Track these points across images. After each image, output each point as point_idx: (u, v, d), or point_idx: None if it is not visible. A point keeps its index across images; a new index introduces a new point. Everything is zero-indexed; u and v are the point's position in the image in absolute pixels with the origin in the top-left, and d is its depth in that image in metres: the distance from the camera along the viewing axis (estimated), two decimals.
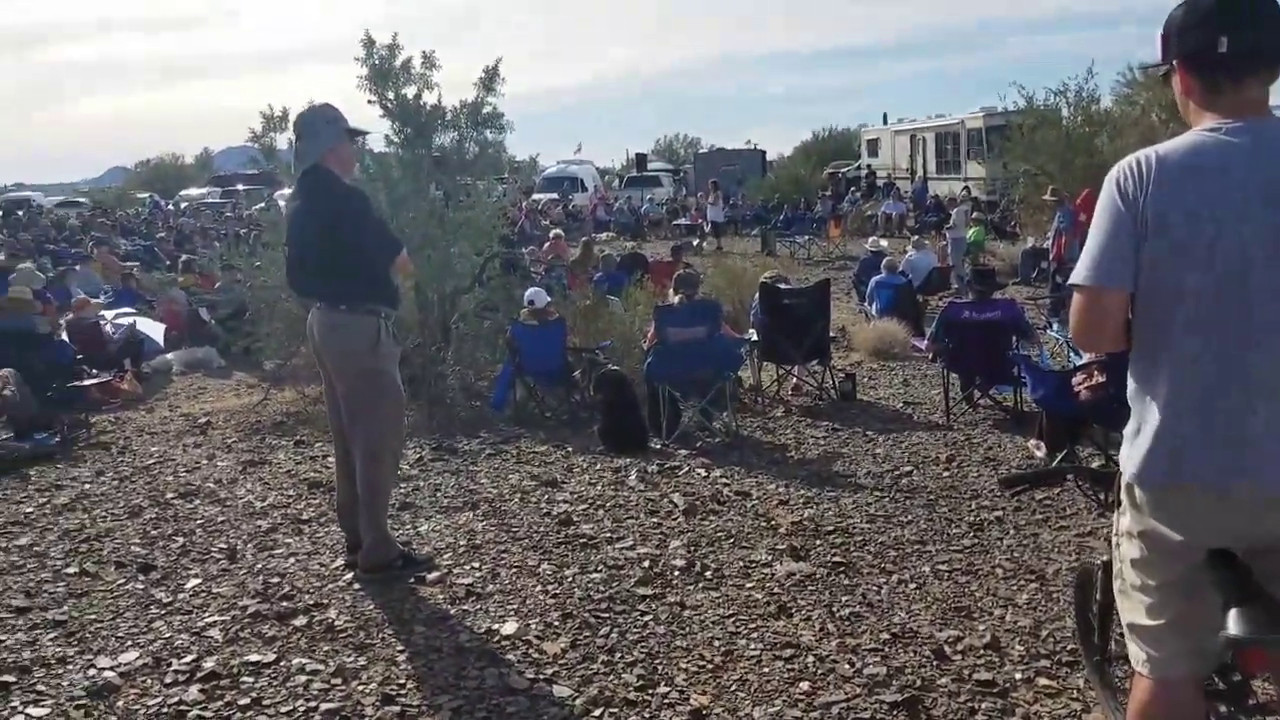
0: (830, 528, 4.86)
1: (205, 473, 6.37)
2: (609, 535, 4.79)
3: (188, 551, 4.71)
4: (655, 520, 5.01)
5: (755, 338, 7.46)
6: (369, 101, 9.07)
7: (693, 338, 6.71)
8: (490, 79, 9.23)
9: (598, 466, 6.18)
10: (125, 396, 9.50)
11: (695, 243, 19.67)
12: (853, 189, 31.78)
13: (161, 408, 9.23)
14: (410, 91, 9.23)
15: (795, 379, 8.49)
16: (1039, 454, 6.02)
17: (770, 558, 4.48)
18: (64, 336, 10.10)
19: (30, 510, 5.54)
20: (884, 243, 15.44)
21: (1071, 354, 7.53)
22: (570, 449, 6.70)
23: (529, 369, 7.70)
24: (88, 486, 6.04)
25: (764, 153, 39.92)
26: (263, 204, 28.69)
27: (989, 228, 19.93)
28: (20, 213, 30.97)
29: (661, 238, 24.98)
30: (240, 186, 36.26)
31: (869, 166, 34.26)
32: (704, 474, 5.90)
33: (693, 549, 4.59)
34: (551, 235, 16.32)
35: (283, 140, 8.92)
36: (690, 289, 7.01)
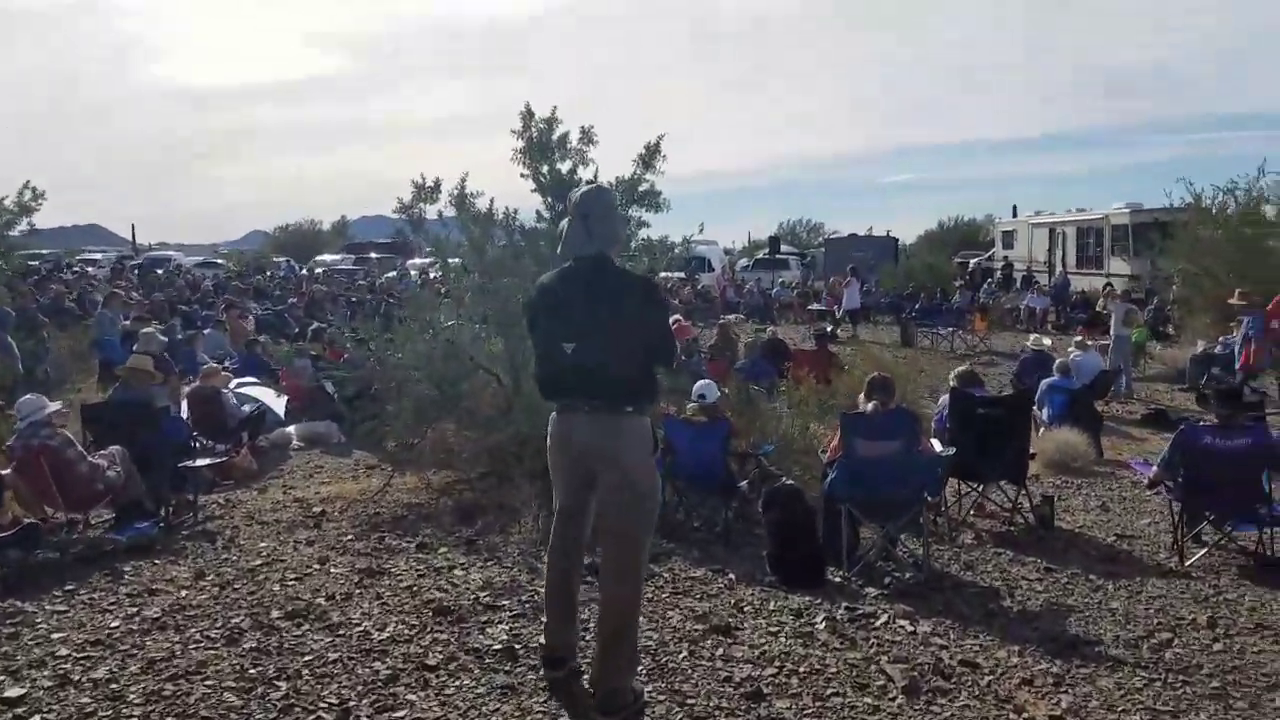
0: None
1: (316, 582, 5.58)
2: None
3: (290, 708, 3.84)
4: (869, 701, 3.93)
5: (951, 452, 6.34)
6: (522, 175, 8.59)
7: (886, 453, 5.66)
8: (650, 156, 8.61)
9: (772, 606, 5.13)
10: (239, 473, 8.98)
11: (829, 328, 18.58)
12: (988, 280, 30.34)
13: (275, 488, 8.64)
14: (565, 166, 8.70)
15: (980, 498, 7.34)
16: None
17: None
18: (183, 405, 9.71)
19: (116, 624, 4.80)
20: (1047, 341, 14.14)
21: None
22: (733, 576, 5.68)
23: (683, 472, 6.75)
24: (184, 594, 5.31)
25: (896, 240, 38.80)
26: (394, 272, 29.26)
27: None
28: (160, 271, 32.11)
29: (791, 321, 24.02)
30: (373, 255, 37.09)
31: (1005, 258, 32.79)
32: (909, 628, 4.79)
33: None
34: (672, 320, 15.44)
35: (431, 212, 8.45)
36: (886, 395, 5.98)
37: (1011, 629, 4.85)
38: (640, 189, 8.73)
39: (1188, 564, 5.93)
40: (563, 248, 3.89)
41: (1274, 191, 18.60)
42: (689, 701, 3.91)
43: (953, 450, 6.33)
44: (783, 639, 4.61)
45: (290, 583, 5.55)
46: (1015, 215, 36.18)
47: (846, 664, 4.31)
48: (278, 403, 11.25)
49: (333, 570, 5.85)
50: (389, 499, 7.87)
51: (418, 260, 27.27)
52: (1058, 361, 11.33)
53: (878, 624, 4.85)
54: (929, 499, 5.91)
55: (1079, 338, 13.88)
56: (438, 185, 8.15)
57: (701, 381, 7.31)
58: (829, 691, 4.01)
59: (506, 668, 4.26)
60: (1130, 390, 14.48)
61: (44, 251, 40.36)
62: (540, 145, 8.55)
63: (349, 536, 6.73)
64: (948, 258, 36.37)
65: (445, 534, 6.71)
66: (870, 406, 5.82)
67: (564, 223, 3.92)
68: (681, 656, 4.37)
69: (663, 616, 4.92)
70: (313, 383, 11.62)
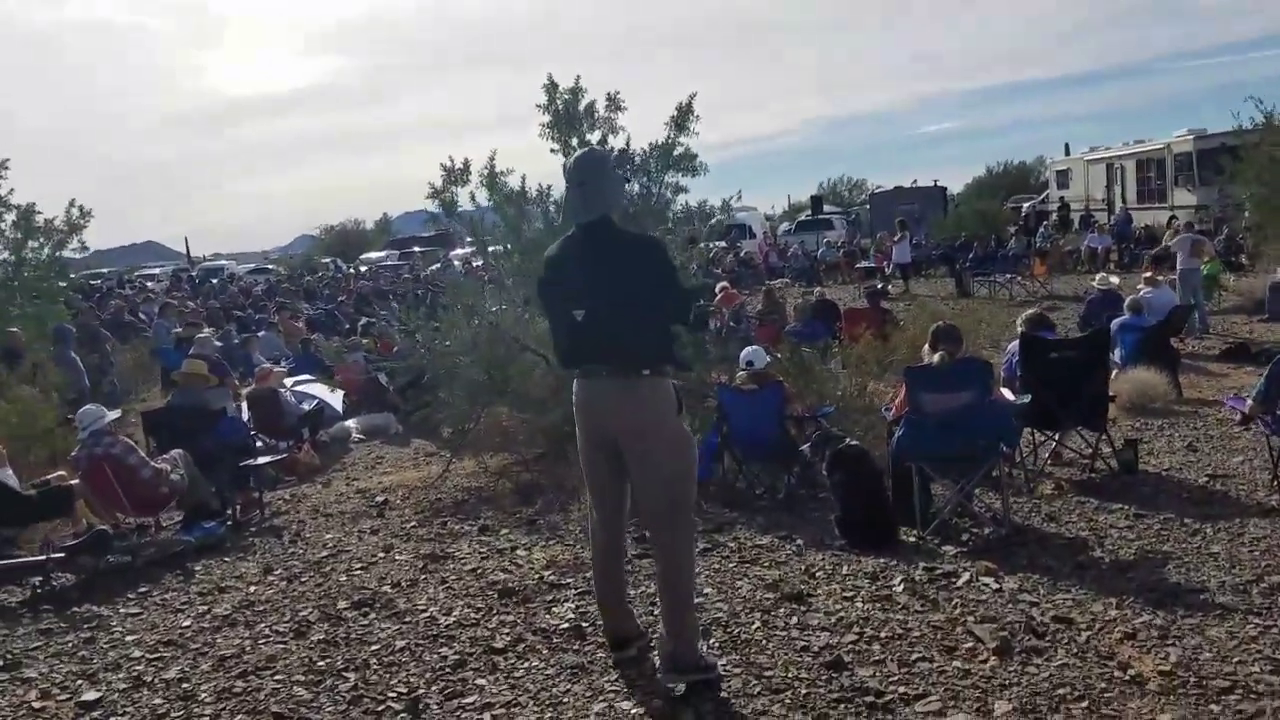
0: (1221, 681, 3.43)
1: (382, 570, 5.51)
2: (902, 690, 3.52)
3: (360, 699, 3.74)
4: (958, 665, 3.70)
5: (1026, 400, 6.03)
6: (552, 150, 8.39)
7: (957, 405, 5.37)
8: (683, 118, 8.35)
9: (845, 570, 4.92)
10: (302, 468, 9.00)
11: (880, 285, 18.11)
12: (1044, 223, 29.41)
13: (339, 481, 8.65)
14: (595, 137, 8.49)
15: (1057, 446, 7.02)
16: None
17: None
18: (244, 408, 9.76)
19: (187, 624, 4.78)
20: (1114, 279, 13.59)
21: None
22: (800, 542, 5.48)
23: (739, 440, 6.55)
24: (253, 589, 5.28)
25: (944, 189, 37.77)
26: (438, 264, 29.39)
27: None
28: (214, 280, 32.68)
29: (839, 282, 23.55)
30: (417, 248, 37.34)
31: (1061, 198, 31.76)
32: (995, 586, 4.54)
33: (1031, 717, 3.27)
34: (719, 288, 15.10)
35: (464, 196, 8.30)
36: (953, 344, 5.68)
37: (1105, 580, 4.57)
38: (675, 153, 8.50)
39: None
40: (563, 217, 3.90)
41: None
42: (766, 674, 3.73)
43: (1027, 398, 6.02)
44: (859, 604, 4.40)
45: (356, 572, 5.50)
46: (1068, 154, 35.02)
47: (930, 626, 4.08)
48: (335, 398, 11.29)
49: (398, 558, 5.79)
50: (449, 484, 7.82)
51: (460, 250, 27.37)
52: (1128, 299, 10.82)
53: (959, 583, 4.61)
54: (1005, 450, 5.61)
55: (1148, 274, 13.29)
56: (467, 167, 8.00)
57: (748, 348, 7.09)
58: (914, 656, 3.79)
59: (575, 646, 4.13)
60: (1206, 325, 13.85)
61: (105, 270, 41.38)
62: (567, 117, 8.34)
63: (412, 523, 6.68)
64: (999, 204, 35.34)
65: (506, 515, 6.62)
66: (937, 357, 5.53)
67: (565, 195, 3.82)
68: (755, 627, 4.19)
69: (731, 586, 4.75)
70: (366, 376, 11.63)
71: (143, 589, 5.46)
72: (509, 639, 4.25)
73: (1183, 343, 12.00)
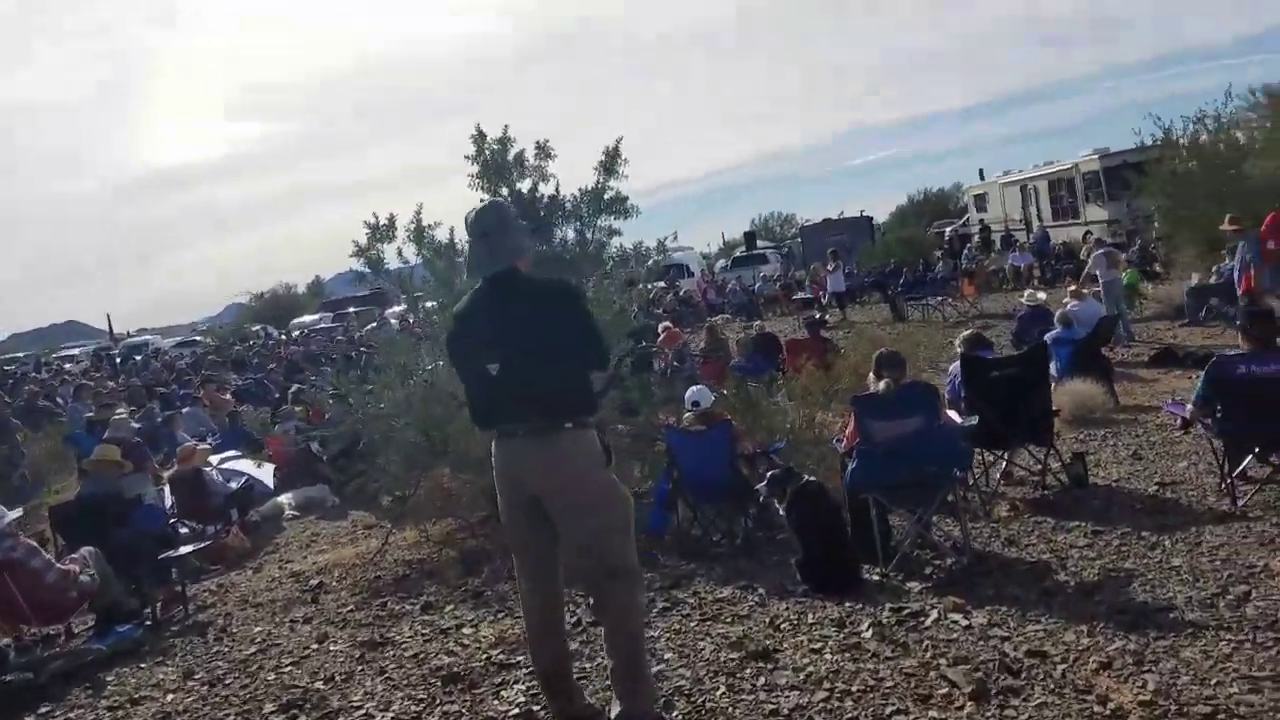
0: (1202, 706, 3.28)
1: (315, 664, 5.14)
2: None
3: None
4: (934, 715, 3.51)
5: (974, 422, 5.93)
6: (481, 201, 8.15)
7: (906, 431, 5.24)
8: (611, 161, 8.21)
9: (811, 619, 4.71)
10: (231, 554, 8.52)
11: (818, 315, 18.17)
12: (968, 246, 30.03)
13: (270, 564, 8.19)
14: (525, 185, 8.32)
15: (1008, 465, 6.95)
16: None
17: None
18: (166, 492, 9.25)
19: None
20: (1041, 295, 13.80)
21: None
22: (763, 591, 5.26)
23: (691, 484, 6.34)
24: (171, 698, 4.85)
25: (871, 219, 38.51)
26: (373, 324, 28.78)
27: None
28: (138, 357, 31.59)
29: (778, 314, 23.62)
30: (351, 309, 36.55)
31: (981, 221, 32.50)
32: (964, 622, 4.37)
33: None
34: (662, 327, 14.97)
35: (390, 252, 8.02)
36: (897, 370, 5.57)
37: (1073, 605, 4.43)
38: (606, 197, 8.36)
39: (1241, 504, 5.53)
40: (469, 273, 3.74)
41: (1239, 117, 18.36)
42: None
43: (974, 419, 5.92)
44: (828, 655, 4.19)
45: (286, 669, 5.12)
46: (983, 179, 35.93)
47: (902, 674, 3.89)
48: (265, 473, 10.79)
49: (332, 648, 5.42)
50: (390, 559, 7.45)
51: (396, 308, 26.87)
52: (1058, 313, 10.96)
53: (928, 623, 4.43)
54: (959, 475, 5.49)
55: (1072, 287, 13.53)
56: (392, 222, 7.73)
57: (693, 388, 6.91)
58: (889, 710, 3.59)
59: None
60: (1131, 333, 14.11)
61: (20, 355, 39.76)
62: (496, 166, 8.17)
63: (349, 607, 6.30)
64: (924, 230, 36.10)
65: (451, 589, 6.28)
66: (882, 385, 5.40)
67: (466, 248, 3.72)
68: (720, 693, 3.94)
69: (693, 649, 4.50)
70: (298, 447, 11.16)
71: (44, 709, 4.98)
72: None
73: (1112, 352, 12.18)
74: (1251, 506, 5.49)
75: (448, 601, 6.02)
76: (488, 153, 8.17)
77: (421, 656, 4.99)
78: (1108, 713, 3.33)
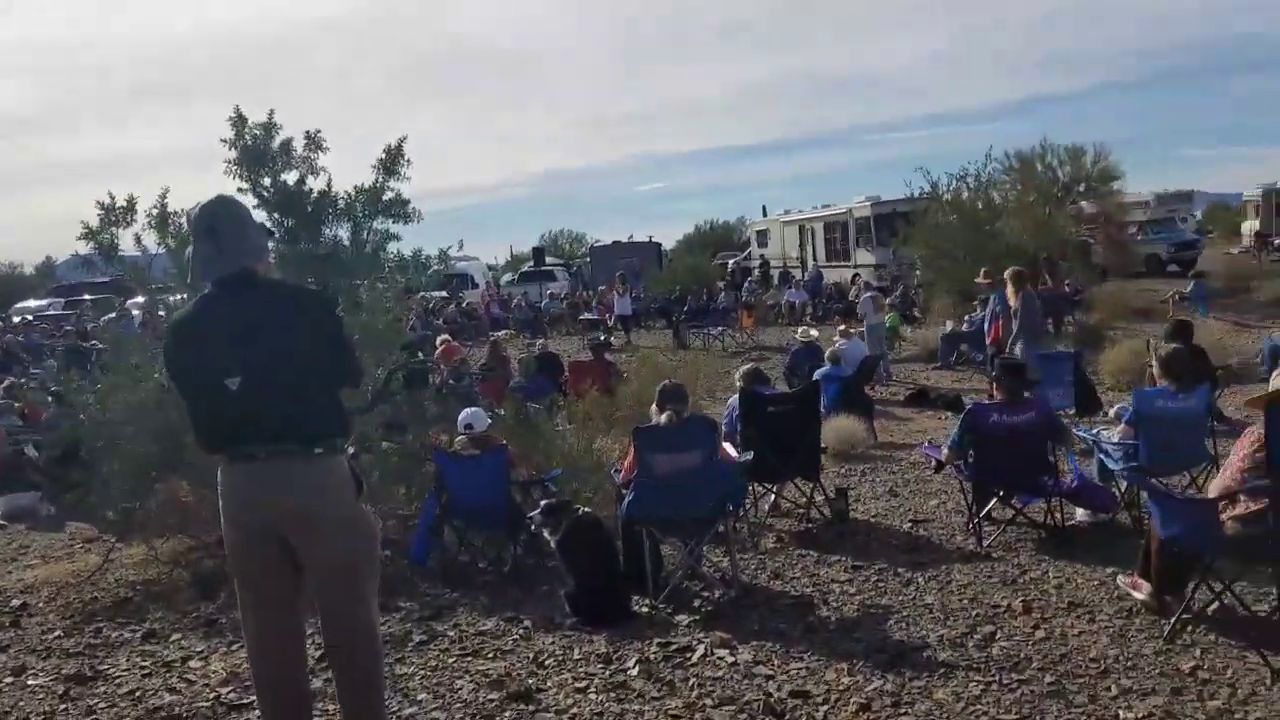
0: None
1: (7, 702, 4.40)
2: None
3: None
4: None
5: (750, 457, 5.97)
6: (239, 190, 7.46)
7: (686, 466, 5.17)
8: (393, 160, 7.75)
9: (577, 654, 4.51)
10: None
11: (603, 337, 18.22)
12: (749, 279, 31.32)
13: None
14: (291, 177, 7.69)
15: (775, 497, 7.10)
16: (1139, 595, 4.69)
17: None
18: None
19: None
20: (814, 332, 14.45)
21: (1102, 456, 6.40)
22: (528, 623, 5.01)
23: (461, 510, 6.00)
24: None
25: (660, 245, 39.39)
26: (112, 314, 25.96)
27: None
28: None
29: (563, 333, 23.55)
30: (87, 296, 32.88)
31: (762, 256, 34.00)
32: (730, 659, 4.30)
33: None
34: (439, 340, 14.39)
35: (127, 238, 7.13)
36: (680, 404, 5.50)
37: (834, 642, 4.48)
38: (385, 198, 7.89)
39: (986, 544, 5.86)
40: (192, 275, 3.22)
41: (994, 178, 20.13)
42: None
43: (750, 455, 5.97)
44: (593, 695, 4.00)
45: None
46: (765, 215, 37.67)
47: (667, 716, 3.76)
48: None
49: (31, 682, 4.69)
50: (110, 578, 6.63)
51: (140, 299, 24.53)
52: (828, 351, 11.47)
53: (695, 659, 4.34)
54: (730, 509, 5.49)
55: (841, 327, 14.25)
56: (131, 205, 6.88)
57: (467, 410, 6.59)
58: None
59: None
60: (890, 373, 15.03)
61: None
62: (256, 153, 7.50)
63: (55, 633, 5.51)
64: (708, 260, 37.32)
65: (179, 615, 5.63)
66: (664, 418, 5.32)
67: (187, 250, 3.24)
68: None
69: (450, 688, 4.18)
70: (12, 448, 9.81)
71: None
72: None
73: (873, 390, 12.92)
74: (995, 547, 5.82)
75: (174, 629, 5.38)
76: (248, 138, 7.52)
77: (138, 694, 4.38)
78: None
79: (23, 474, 9.38)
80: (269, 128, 7.56)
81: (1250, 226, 30.56)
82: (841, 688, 3.93)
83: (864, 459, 9.04)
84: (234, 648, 4.94)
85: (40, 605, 6.14)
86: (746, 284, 29.21)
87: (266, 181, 7.58)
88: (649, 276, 30.90)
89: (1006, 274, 11.52)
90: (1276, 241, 28.05)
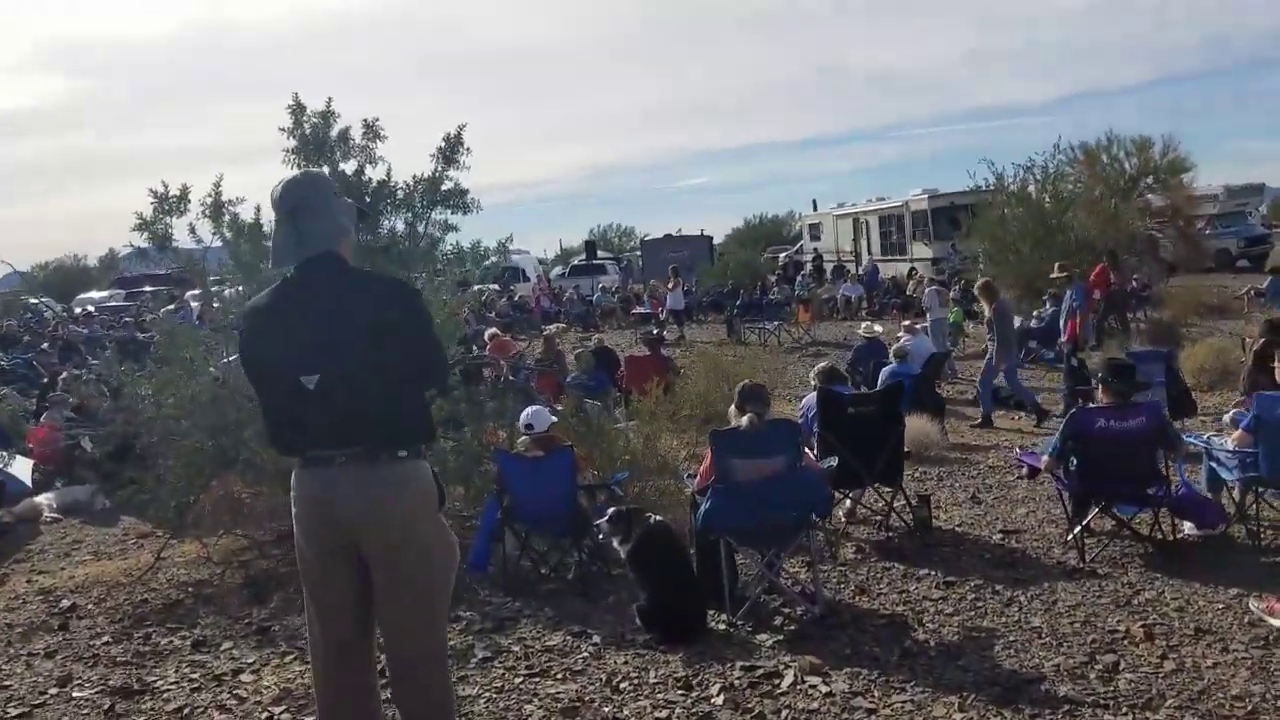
0: None
1: (50, 716, 4.16)
2: None
3: None
4: None
5: (834, 463, 5.56)
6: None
7: (769, 472, 4.78)
8: (452, 149, 7.47)
9: (653, 677, 4.15)
10: None
11: (655, 331, 17.84)
12: (801, 273, 30.74)
13: (18, 575, 6.96)
14: (349, 166, 7.45)
15: (851, 504, 6.68)
16: (1276, 622, 4.22)
17: None
18: None
19: None
20: (878, 327, 13.96)
21: (1214, 465, 5.90)
22: (597, 639, 4.67)
23: (524, 515, 5.67)
24: None
25: (711, 238, 38.82)
26: (171, 306, 26.13)
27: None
28: None
29: (615, 327, 23.22)
30: (148, 288, 33.27)
31: (815, 250, 33.40)
32: (824, 688, 3.92)
33: None
34: (488, 335, 14.04)
35: (181, 227, 6.92)
36: (761, 405, 5.11)
37: (938, 671, 4.07)
38: (444, 188, 7.61)
39: (1089, 560, 5.40)
40: (273, 260, 2.90)
41: (1059, 171, 19.34)
42: None
43: (834, 461, 5.56)
44: None
45: None
46: (815, 209, 37.01)
47: None
48: (21, 468, 9.32)
49: (76, 694, 4.46)
50: (162, 577, 6.43)
51: (198, 291, 24.64)
52: (894, 347, 10.96)
53: (784, 686, 3.97)
54: (815, 520, 5.10)
55: (906, 323, 13.73)
56: (184, 194, 6.66)
57: (529, 409, 6.24)
58: None
59: None
60: (955, 370, 14.47)
61: None
62: (316, 142, 7.27)
63: (104, 639, 5.29)
64: (759, 253, 36.80)
65: (231, 621, 5.38)
66: (745, 420, 4.93)
67: (274, 233, 2.93)
68: None
69: (519, 714, 3.86)
70: (68, 442, 9.72)
71: None
72: None
73: (940, 388, 12.39)
74: (1099, 562, 5.36)
75: (225, 637, 5.13)
76: (306, 126, 7.29)
77: (186, 712, 4.12)
78: None
79: (78, 467, 9.28)
80: (327, 115, 7.35)
81: None
82: None
83: (939, 462, 8.57)
84: (287, 659, 4.69)
85: (90, 607, 5.94)
86: (800, 278, 28.64)
87: (326, 171, 7.34)
88: (700, 270, 30.47)
89: (977, 286, 11.31)
90: None
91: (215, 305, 7.87)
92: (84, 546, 7.82)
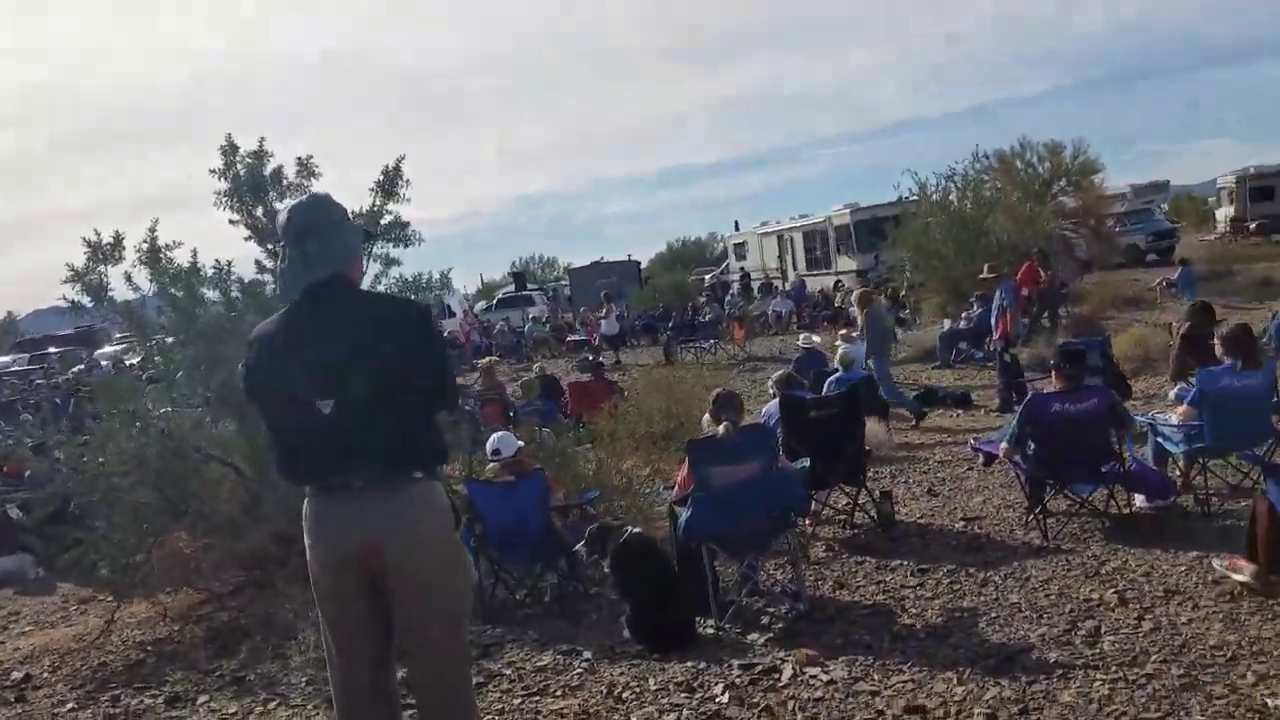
0: None
1: None
2: None
3: None
4: None
5: (806, 464, 5.63)
6: (231, 222, 7.10)
7: (747, 476, 4.82)
8: (391, 182, 7.37)
9: (653, 684, 4.14)
10: None
11: (592, 358, 17.83)
12: (729, 292, 31.13)
13: None
14: (284, 206, 7.30)
15: (816, 505, 6.76)
16: (1239, 577, 4.39)
17: None
18: None
19: None
20: (816, 338, 14.16)
21: (1160, 440, 6.14)
22: (588, 655, 4.64)
23: (496, 541, 5.61)
24: None
25: (638, 263, 39.15)
26: (80, 366, 25.14)
27: None
28: None
29: (548, 356, 23.12)
30: (52, 350, 32.00)
31: (741, 269, 33.86)
32: (824, 677, 3.96)
33: None
34: None
35: (116, 275, 6.69)
36: (735, 413, 5.17)
37: (930, 651, 4.15)
38: (383, 221, 7.53)
39: (1052, 538, 5.55)
40: (283, 287, 2.85)
41: (975, 178, 19.95)
42: None
43: (805, 462, 5.64)
44: None
45: None
46: (738, 229, 37.57)
47: None
48: None
49: None
50: (116, 640, 6.16)
51: (109, 349, 23.98)
52: (839, 354, 11.15)
53: (784, 680, 3.99)
54: (796, 520, 5.16)
55: (843, 332, 13.98)
56: (119, 240, 6.46)
57: (496, 435, 6.21)
58: None
59: None
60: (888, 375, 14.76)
61: None
62: (251, 183, 7.13)
63: (69, 706, 5.07)
64: (686, 276, 37.17)
65: (202, 675, 5.19)
66: (721, 428, 4.97)
67: (279, 260, 2.89)
68: None
69: None
70: None
71: None
72: None
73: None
74: (1062, 539, 5.53)
75: (199, 691, 4.94)
76: (240, 167, 7.14)
77: None
78: None
79: (8, 536, 8.84)
80: (260, 155, 7.20)
81: (1225, 213, 30.85)
82: (957, 699, 3.60)
83: (889, 461, 8.73)
84: (270, 705, 4.54)
85: (45, 675, 5.67)
86: (728, 297, 28.97)
87: (259, 211, 7.21)
88: (630, 295, 30.64)
89: (854, 296, 11.83)
90: (1252, 226, 28.33)
91: (132, 362, 7.63)
92: (23, 618, 7.45)
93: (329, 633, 2.84)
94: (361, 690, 2.81)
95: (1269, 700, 3.29)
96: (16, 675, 5.69)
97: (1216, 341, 5.92)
